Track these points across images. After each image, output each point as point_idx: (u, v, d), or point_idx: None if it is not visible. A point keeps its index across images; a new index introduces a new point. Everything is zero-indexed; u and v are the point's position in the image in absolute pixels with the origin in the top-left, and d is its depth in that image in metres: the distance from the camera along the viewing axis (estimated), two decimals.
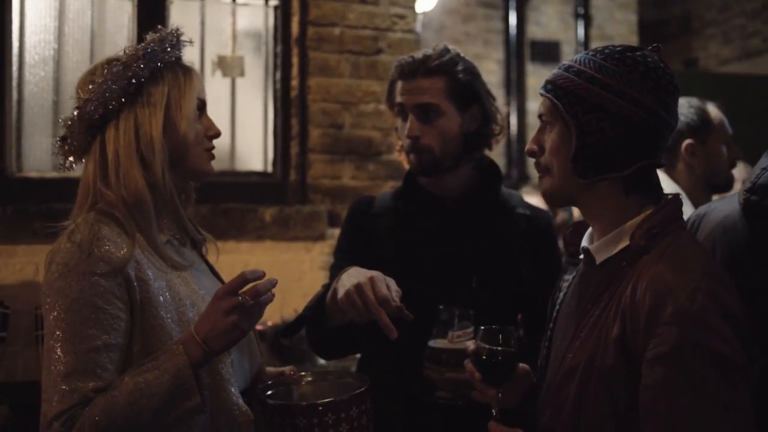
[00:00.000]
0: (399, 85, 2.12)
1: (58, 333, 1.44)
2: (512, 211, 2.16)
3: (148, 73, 1.58)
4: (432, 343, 1.79)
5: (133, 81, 1.57)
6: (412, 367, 1.82)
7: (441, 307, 1.80)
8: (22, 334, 3.10)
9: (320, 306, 1.97)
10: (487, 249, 2.10)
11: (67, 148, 1.63)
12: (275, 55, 3.87)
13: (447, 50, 2.12)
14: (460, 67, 2.10)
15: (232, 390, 1.55)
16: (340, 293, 1.78)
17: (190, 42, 1.70)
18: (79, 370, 1.42)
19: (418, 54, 2.11)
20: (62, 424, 1.40)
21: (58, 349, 1.43)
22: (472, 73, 2.13)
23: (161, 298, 1.51)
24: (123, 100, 1.57)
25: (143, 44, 1.60)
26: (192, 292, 1.58)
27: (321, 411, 1.53)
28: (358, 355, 2.30)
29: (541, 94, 1.54)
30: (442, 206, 2.15)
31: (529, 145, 1.57)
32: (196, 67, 1.72)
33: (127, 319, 1.48)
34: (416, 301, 1.96)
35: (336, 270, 2.27)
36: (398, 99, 2.12)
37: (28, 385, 3.04)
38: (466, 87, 2.09)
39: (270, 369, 1.77)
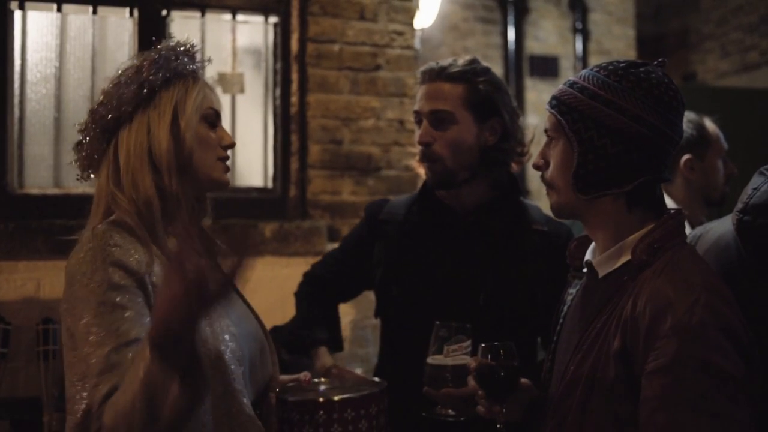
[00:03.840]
0: (420, 91, 2.10)
1: (92, 338, 1.43)
2: (528, 228, 2.11)
3: (160, 78, 1.61)
4: (430, 359, 1.78)
5: (145, 86, 1.60)
6: (415, 384, 1.82)
7: (438, 322, 1.79)
8: (23, 350, 3.09)
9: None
10: (497, 266, 2.05)
11: (83, 154, 1.64)
12: (275, 72, 3.89)
13: (474, 61, 2.10)
14: (482, 78, 2.06)
15: (245, 401, 1.55)
16: None
17: (209, 61, 1.73)
18: (113, 365, 1.41)
19: (445, 61, 2.10)
20: (97, 415, 1.37)
21: (96, 350, 1.41)
22: (495, 85, 2.09)
23: None
24: (135, 104, 1.60)
25: (155, 50, 1.64)
26: None
27: (341, 406, 1.55)
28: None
29: (547, 110, 1.55)
30: (455, 219, 2.11)
31: (535, 160, 1.59)
32: None
33: (149, 315, 1.49)
34: (421, 314, 1.95)
35: (340, 250, 2.36)
36: (416, 106, 2.10)
37: (29, 401, 3.04)
38: (485, 97, 2.06)
39: (283, 377, 1.77)
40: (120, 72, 1.63)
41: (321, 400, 1.59)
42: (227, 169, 1.71)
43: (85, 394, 1.39)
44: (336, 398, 1.57)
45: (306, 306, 2.34)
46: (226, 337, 1.56)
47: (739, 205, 1.58)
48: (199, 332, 1.40)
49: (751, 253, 1.55)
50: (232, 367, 1.55)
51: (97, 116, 1.61)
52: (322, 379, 1.78)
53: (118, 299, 1.45)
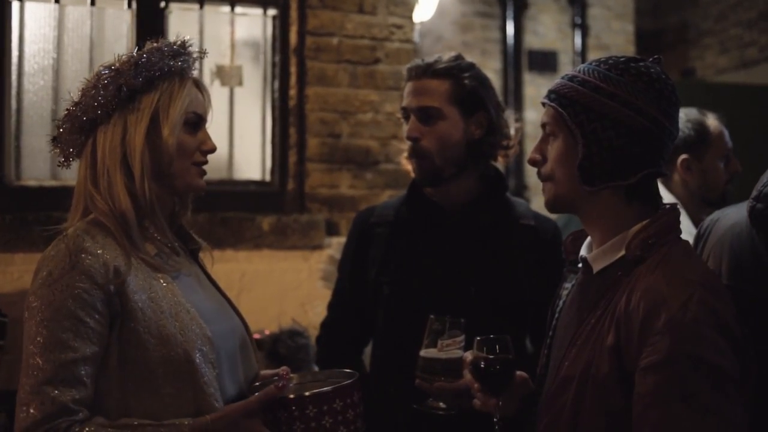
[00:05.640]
0: (406, 87, 2.13)
1: (39, 339, 1.45)
2: (516, 222, 2.14)
3: (140, 82, 1.57)
4: (423, 353, 1.79)
5: (124, 89, 1.57)
6: (408, 377, 1.83)
7: (432, 316, 1.80)
8: (20, 343, 3.07)
9: None
10: (487, 260, 2.08)
11: (59, 148, 1.64)
12: (273, 65, 3.89)
13: (459, 57, 2.14)
14: (467, 73, 2.10)
15: (217, 405, 1.53)
16: None
17: (204, 53, 1.70)
18: (59, 379, 1.43)
19: (430, 58, 2.13)
20: None
21: (38, 357, 1.44)
22: (480, 80, 2.13)
23: (140, 313, 1.50)
24: (113, 106, 1.57)
25: (139, 52, 1.60)
26: (175, 303, 1.55)
27: (301, 403, 1.50)
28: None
29: (545, 104, 1.55)
30: (444, 215, 2.14)
31: (531, 155, 1.57)
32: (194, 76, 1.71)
33: (106, 333, 1.49)
34: (414, 310, 1.96)
35: (341, 285, 2.28)
36: (403, 102, 2.13)
37: None
38: (471, 92, 2.09)
39: (265, 371, 1.76)
40: (98, 72, 1.60)
41: (282, 397, 1.53)
42: (203, 173, 1.68)
43: (33, 403, 1.43)
44: (292, 396, 1.52)
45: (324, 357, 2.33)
46: (198, 342, 1.54)
47: (754, 193, 1.58)
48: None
49: (764, 240, 1.55)
50: (204, 370, 1.52)
51: (72, 116, 1.59)
52: (292, 375, 1.77)
53: (76, 310, 1.46)
